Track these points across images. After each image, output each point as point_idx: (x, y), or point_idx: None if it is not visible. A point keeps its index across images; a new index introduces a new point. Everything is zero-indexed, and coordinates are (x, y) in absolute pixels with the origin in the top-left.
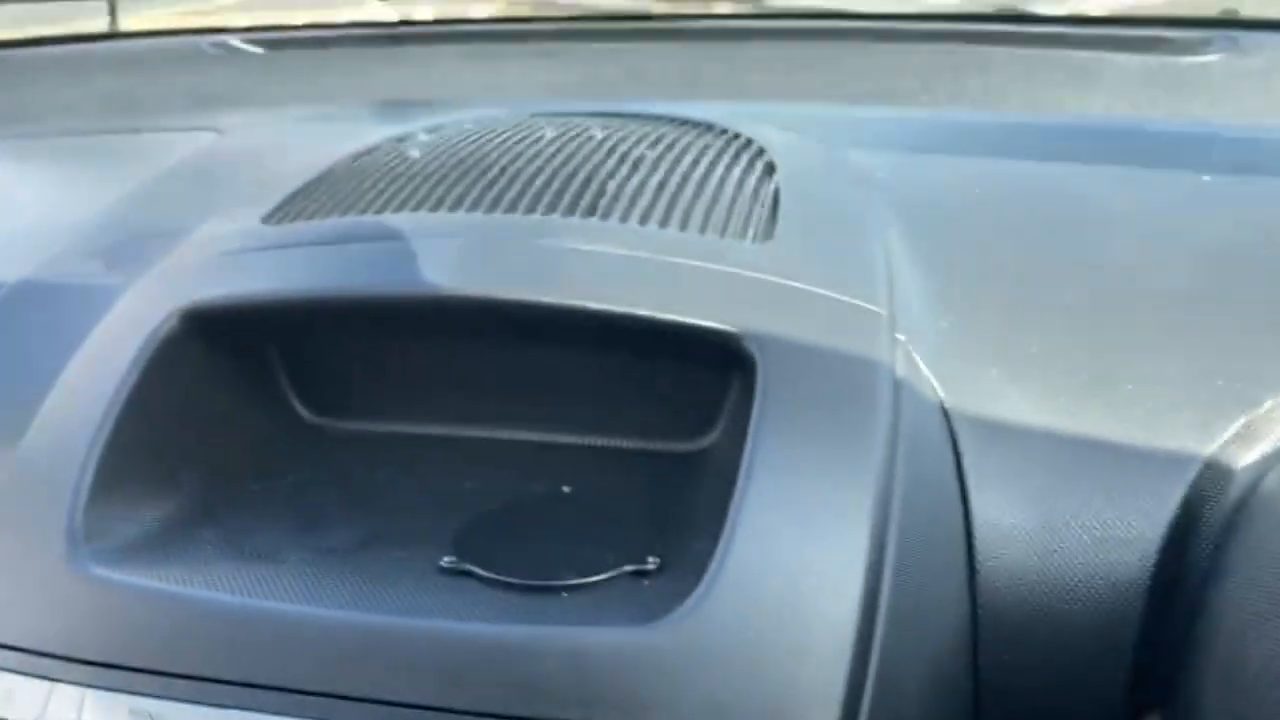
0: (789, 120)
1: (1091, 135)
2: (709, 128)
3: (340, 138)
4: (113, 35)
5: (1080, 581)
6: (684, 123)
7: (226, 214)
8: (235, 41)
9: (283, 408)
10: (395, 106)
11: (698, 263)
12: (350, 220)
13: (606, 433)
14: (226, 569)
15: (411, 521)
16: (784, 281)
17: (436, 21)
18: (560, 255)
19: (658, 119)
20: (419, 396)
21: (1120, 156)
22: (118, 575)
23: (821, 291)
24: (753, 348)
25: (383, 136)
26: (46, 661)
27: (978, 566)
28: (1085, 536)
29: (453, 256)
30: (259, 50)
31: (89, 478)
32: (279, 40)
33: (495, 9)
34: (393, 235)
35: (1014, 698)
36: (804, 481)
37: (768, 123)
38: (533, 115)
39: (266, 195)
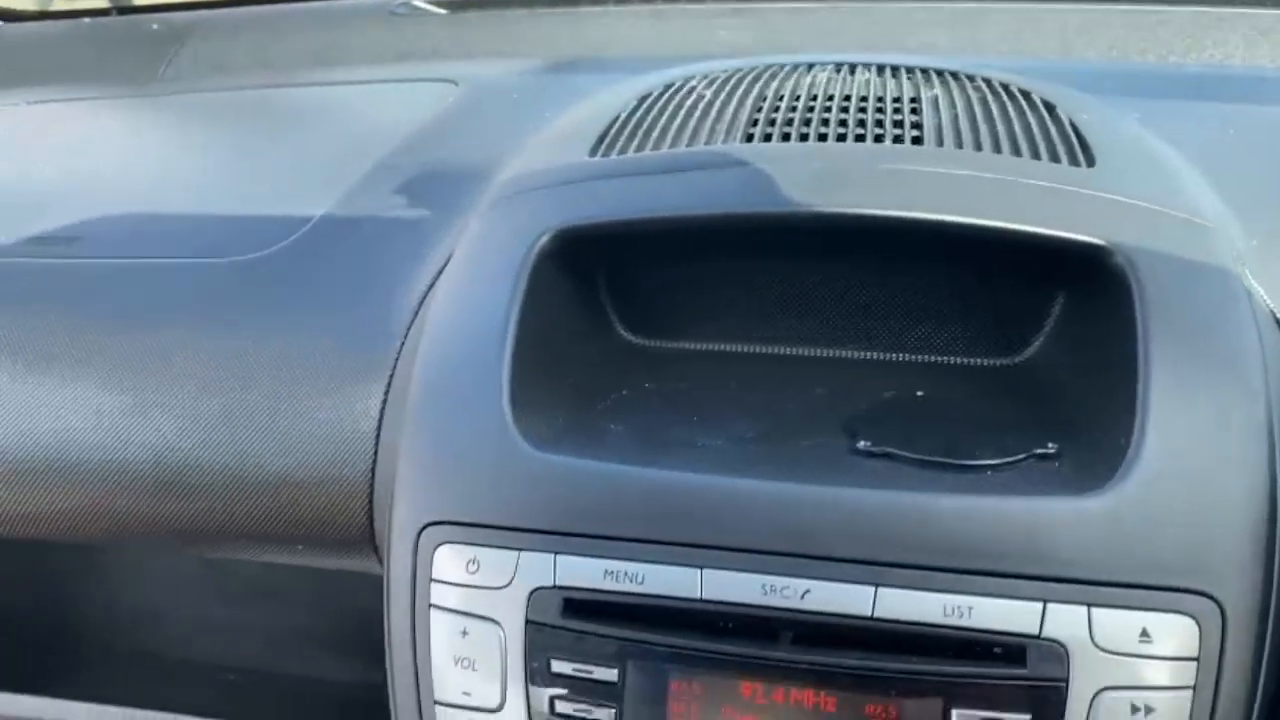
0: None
1: None
2: (953, 74)
3: (584, 89)
4: None
5: None
6: (924, 70)
7: (550, 150)
8: (418, 2)
9: (608, 328)
10: (608, 61)
11: (1038, 182)
12: (687, 151)
13: (930, 350)
14: (654, 453)
15: (796, 418)
16: (1127, 200)
17: None
18: (902, 175)
19: (894, 68)
20: (744, 317)
21: None
22: (567, 458)
23: (1163, 209)
24: (1122, 260)
25: (620, 89)
26: (514, 534)
27: None
28: None
29: (796, 178)
30: (441, 11)
31: (507, 377)
32: (456, 2)
33: None
34: (734, 162)
35: None
36: (1198, 378)
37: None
38: (769, 65)
39: (571, 134)
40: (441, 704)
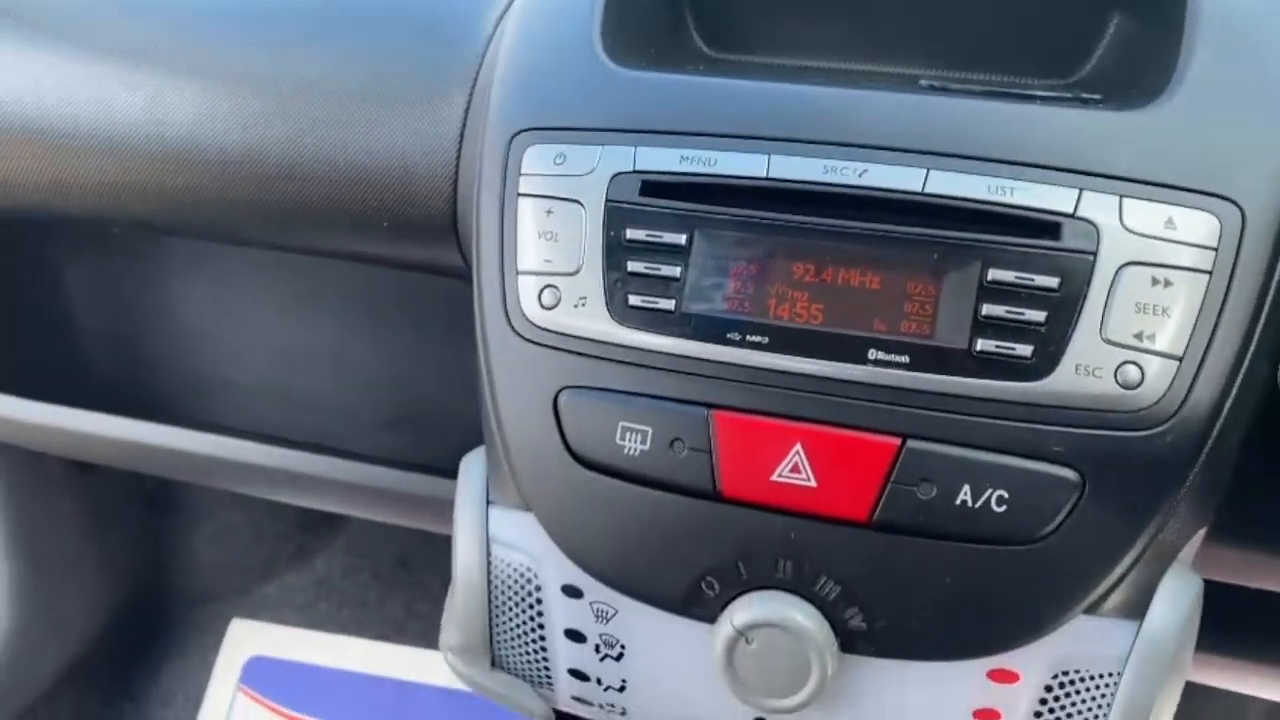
0: None
1: None
2: None
3: None
4: None
5: None
6: None
7: None
8: None
9: (687, 40)
10: None
11: None
12: None
13: (990, 68)
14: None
15: (861, 76)
16: None
17: None
18: None
19: None
20: (815, 35)
21: None
22: (650, 73)
23: None
24: None
25: None
26: (597, 134)
27: None
28: None
29: None
30: None
31: (598, 19)
32: None
33: None
34: None
35: None
36: (1242, 40)
37: None
38: None
39: None
40: (524, 272)
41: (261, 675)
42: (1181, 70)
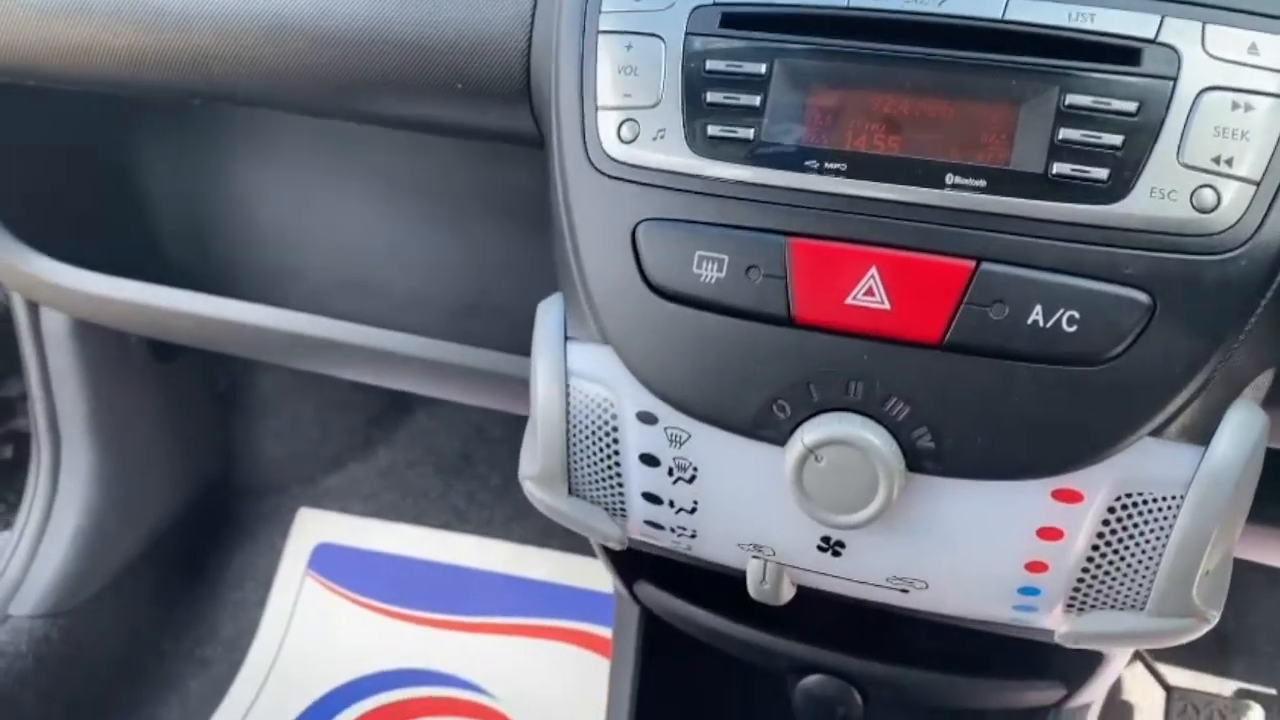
0: None
1: None
2: None
3: None
4: None
5: None
6: None
7: None
8: None
9: None
10: None
11: None
12: None
13: None
14: None
15: None
16: None
17: None
18: None
19: None
20: None
21: None
22: None
23: None
24: None
25: None
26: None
27: None
28: None
29: None
30: None
31: None
32: None
33: None
34: None
35: None
36: None
37: None
38: None
39: None
40: (603, 108)
41: (328, 561)
42: None
